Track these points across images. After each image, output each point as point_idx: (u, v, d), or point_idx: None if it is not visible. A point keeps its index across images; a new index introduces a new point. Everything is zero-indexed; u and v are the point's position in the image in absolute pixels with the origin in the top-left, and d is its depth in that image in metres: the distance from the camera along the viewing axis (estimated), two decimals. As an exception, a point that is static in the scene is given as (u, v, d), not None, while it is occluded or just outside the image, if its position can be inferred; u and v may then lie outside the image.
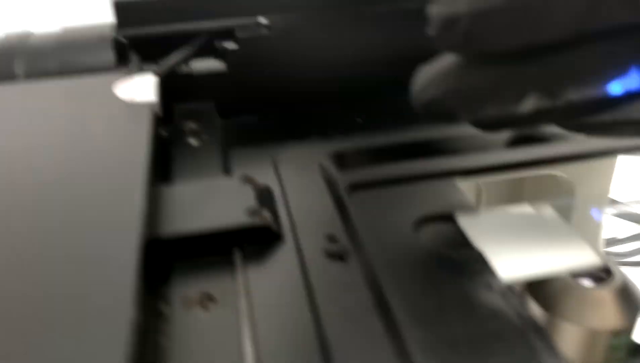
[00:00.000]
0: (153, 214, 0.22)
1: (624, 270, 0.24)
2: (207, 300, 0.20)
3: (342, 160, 0.28)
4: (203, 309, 0.20)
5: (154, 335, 0.19)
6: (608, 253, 0.58)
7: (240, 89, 0.33)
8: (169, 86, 0.32)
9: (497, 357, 0.18)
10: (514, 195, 0.41)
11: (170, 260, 0.21)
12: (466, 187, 0.49)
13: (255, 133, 0.32)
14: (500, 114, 0.23)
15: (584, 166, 0.36)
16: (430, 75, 0.23)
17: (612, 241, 0.59)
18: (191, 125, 0.31)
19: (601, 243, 0.42)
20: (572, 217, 0.30)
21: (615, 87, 0.21)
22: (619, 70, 0.21)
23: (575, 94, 0.21)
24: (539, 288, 0.25)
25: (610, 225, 0.60)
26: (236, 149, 0.30)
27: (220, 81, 0.32)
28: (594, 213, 0.24)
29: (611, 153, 0.28)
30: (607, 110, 0.23)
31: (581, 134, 0.27)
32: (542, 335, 0.19)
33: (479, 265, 0.22)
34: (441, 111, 0.23)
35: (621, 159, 0.30)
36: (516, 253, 0.22)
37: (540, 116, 0.24)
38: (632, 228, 0.61)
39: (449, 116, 0.23)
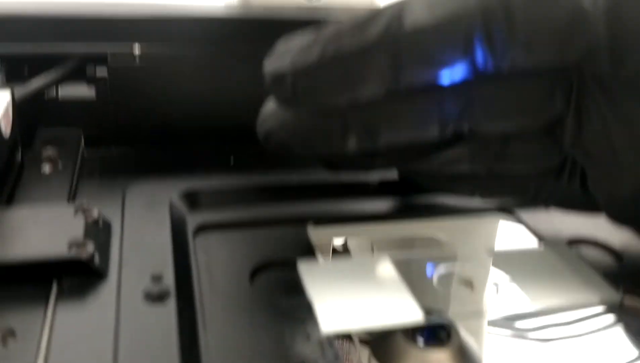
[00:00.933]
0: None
1: (528, 345, 0.25)
2: (8, 335, 0.19)
3: (195, 199, 0.27)
4: (1, 345, 0.19)
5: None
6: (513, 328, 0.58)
7: (108, 118, 0.32)
8: (33, 110, 0.31)
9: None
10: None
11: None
12: (359, 243, 0.50)
13: (117, 164, 0.31)
14: (329, 152, 0.24)
15: (461, 227, 0.37)
16: (269, 109, 0.25)
17: (519, 316, 0.60)
18: (50, 151, 0.30)
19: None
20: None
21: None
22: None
23: (391, 137, 0.23)
24: (379, 347, 0.25)
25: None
26: (91, 179, 0.29)
27: (88, 109, 0.32)
28: (428, 267, 0.24)
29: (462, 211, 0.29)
30: (426, 156, 0.25)
31: (418, 184, 0.29)
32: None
33: (305, 314, 0.22)
34: (277, 142, 0.24)
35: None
36: (344, 305, 0.22)
37: (370, 158, 0.25)
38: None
39: (285, 149, 0.25)
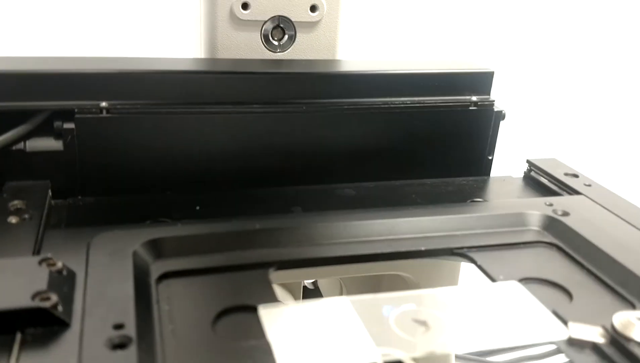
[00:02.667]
0: None
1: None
2: (-31, 385, 0.19)
3: (159, 247, 0.28)
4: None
5: None
6: None
7: (75, 169, 0.33)
8: (0, 164, 0.32)
9: None
10: (374, 291, 0.43)
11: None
12: (328, 281, 0.51)
13: (84, 214, 0.32)
14: None
15: (421, 269, 0.38)
16: None
17: (493, 351, 0.61)
18: (17, 203, 0.30)
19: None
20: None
21: None
22: None
23: None
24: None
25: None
26: (57, 229, 0.30)
27: (55, 160, 0.33)
28: (385, 308, 0.25)
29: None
30: None
31: None
32: None
33: (264, 356, 0.22)
34: None
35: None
36: (302, 347, 0.23)
37: None
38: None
39: None
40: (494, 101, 0.40)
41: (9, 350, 0.21)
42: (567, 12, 0.77)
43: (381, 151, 0.38)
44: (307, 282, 0.54)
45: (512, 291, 0.27)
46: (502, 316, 0.26)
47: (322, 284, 0.53)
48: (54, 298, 0.22)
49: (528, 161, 0.41)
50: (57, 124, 0.33)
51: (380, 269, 0.37)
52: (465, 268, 0.37)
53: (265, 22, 0.41)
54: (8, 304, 0.22)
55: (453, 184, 0.39)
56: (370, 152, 0.38)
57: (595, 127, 0.84)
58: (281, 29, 0.42)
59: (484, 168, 0.41)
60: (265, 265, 0.28)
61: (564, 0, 0.76)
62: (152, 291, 0.25)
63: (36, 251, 0.27)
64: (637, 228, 0.32)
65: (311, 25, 0.42)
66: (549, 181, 0.39)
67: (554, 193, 0.38)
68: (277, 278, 0.28)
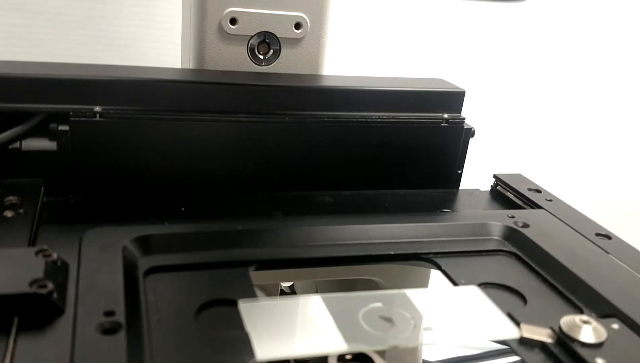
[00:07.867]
0: None
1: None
2: (-30, 362, 0.21)
3: (147, 244, 0.30)
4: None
5: None
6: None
7: (68, 169, 0.35)
8: (-4, 161, 0.34)
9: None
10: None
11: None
12: (304, 285, 0.53)
13: (75, 211, 0.34)
14: None
15: (398, 272, 0.40)
16: None
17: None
18: (12, 198, 0.32)
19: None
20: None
21: None
22: None
23: None
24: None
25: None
26: (50, 224, 0.31)
27: (49, 160, 0.34)
28: (354, 305, 0.28)
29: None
30: None
31: None
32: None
33: (242, 345, 0.24)
34: None
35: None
36: (277, 336, 0.25)
37: None
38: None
39: None
40: (464, 118, 0.42)
41: (7, 333, 0.23)
42: (531, 38, 0.81)
43: (358, 162, 0.41)
44: (285, 285, 0.56)
45: (471, 295, 0.30)
46: (461, 317, 0.28)
47: (298, 287, 0.55)
48: (50, 285, 0.24)
49: (495, 176, 0.43)
50: (52, 126, 0.34)
51: (354, 273, 0.40)
52: (434, 274, 0.40)
53: (252, 37, 0.43)
54: (7, 289, 0.23)
55: (424, 195, 0.42)
56: (348, 162, 0.41)
57: (559, 146, 0.89)
58: (267, 44, 0.44)
59: (454, 181, 0.43)
60: (245, 264, 0.30)
61: (529, 24, 0.80)
62: (140, 284, 0.27)
63: (31, 244, 0.29)
64: (589, 240, 0.35)
65: (295, 41, 0.44)
66: (513, 195, 0.42)
67: (518, 207, 0.41)
68: (256, 279, 0.30)
